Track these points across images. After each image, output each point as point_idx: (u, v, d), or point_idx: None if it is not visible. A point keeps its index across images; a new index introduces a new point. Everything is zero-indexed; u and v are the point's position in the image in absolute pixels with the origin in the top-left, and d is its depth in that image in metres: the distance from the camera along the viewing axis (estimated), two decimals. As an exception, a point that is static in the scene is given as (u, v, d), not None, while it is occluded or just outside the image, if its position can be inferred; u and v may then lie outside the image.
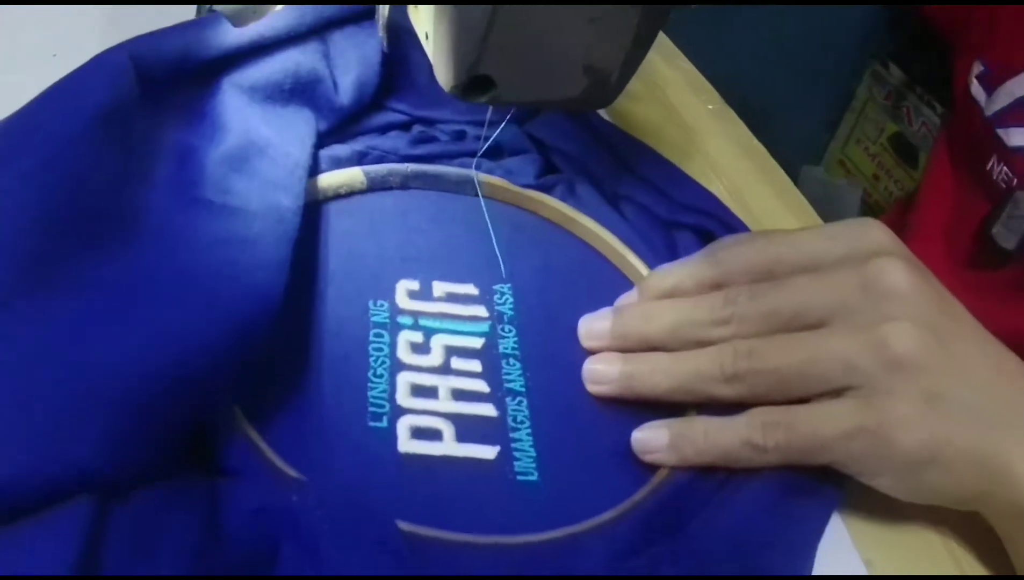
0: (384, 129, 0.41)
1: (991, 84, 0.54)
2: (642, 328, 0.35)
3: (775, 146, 0.52)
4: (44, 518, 0.22)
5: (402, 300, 0.36)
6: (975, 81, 0.55)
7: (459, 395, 0.33)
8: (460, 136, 0.42)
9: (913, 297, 0.31)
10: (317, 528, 0.26)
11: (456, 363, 0.35)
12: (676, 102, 0.54)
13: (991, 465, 0.31)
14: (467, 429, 0.32)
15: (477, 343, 0.36)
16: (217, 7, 0.37)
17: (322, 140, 0.39)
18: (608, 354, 0.35)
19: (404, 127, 0.42)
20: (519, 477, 0.31)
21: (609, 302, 0.37)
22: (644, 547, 0.30)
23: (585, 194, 0.42)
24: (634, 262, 0.40)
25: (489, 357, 0.35)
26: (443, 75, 0.31)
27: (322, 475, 0.29)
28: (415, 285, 0.37)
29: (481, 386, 0.34)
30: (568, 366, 0.36)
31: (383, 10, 0.38)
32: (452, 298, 0.37)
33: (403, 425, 0.32)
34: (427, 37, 0.31)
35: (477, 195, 0.41)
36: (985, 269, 0.43)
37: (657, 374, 0.34)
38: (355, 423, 0.31)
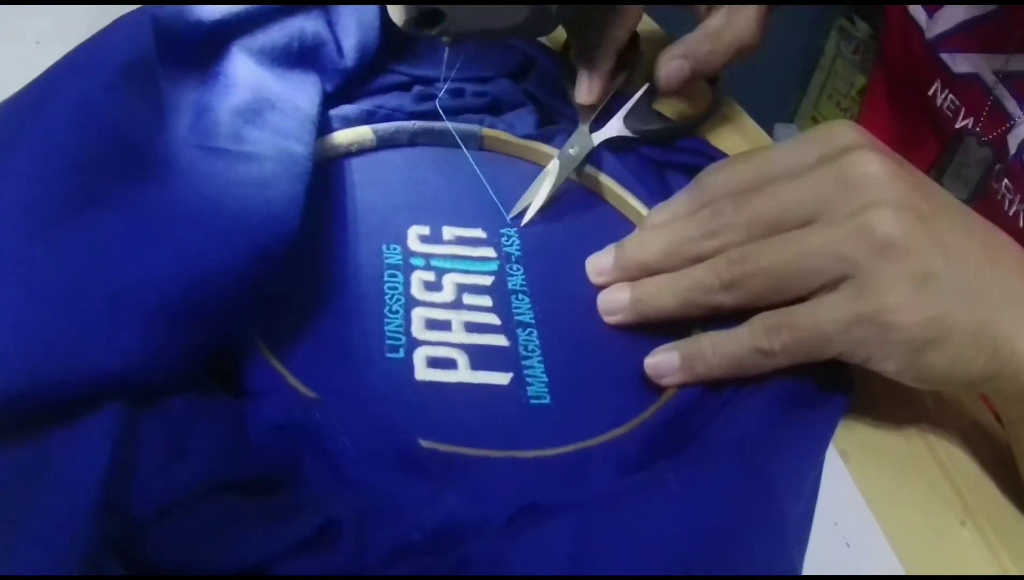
0: (386, 89, 0.43)
1: (931, 5, 0.52)
2: (639, 254, 0.36)
3: (747, 106, 0.53)
4: (77, 423, 0.24)
5: (414, 243, 0.38)
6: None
7: (472, 327, 0.35)
8: (458, 93, 0.44)
9: (889, 182, 0.32)
10: (339, 444, 0.28)
11: (468, 299, 0.36)
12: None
13: (998, 346, 0.31)
14: (481, 358, 0.34)
15: (487, 280, 0.37)
16: None
17: (330, 101, 0.40)
18: (617, 285, 0.37)
19: (405, 87, 0.44)
20: (532, 401, 0.33)
21: (610, 241, 0.38)
22: (651, 461, 0.31)
23: (584, 143, 0.44)
24: (632, 203, 0.41)
25: (499, 293, 0.37)
26: (396, 12, 0.33)
27: (342, 399, 0.30)
28: (425, 230, 0.38)
29: (492, 319, 0.36)
30: (574, 300, 0.37)
31: None
32: (461, 241, 0.39)
33: (419, 355, 0.33)
34: None
35: (480, 149, 0.43)
36: None
37: (662, 294, 0.35)
38: (373, 354, 0.33)
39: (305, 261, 0.34)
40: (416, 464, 0.28)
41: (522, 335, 0.35)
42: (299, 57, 0.38)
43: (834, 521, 0.32)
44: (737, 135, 0.51)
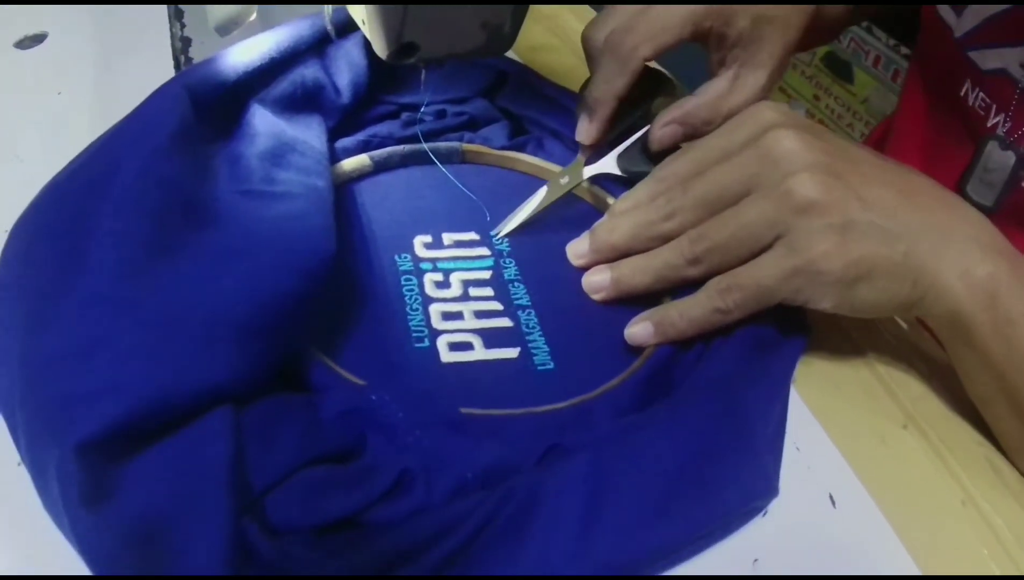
0: (378, 119, 0.49)
1: (959, 5, 0.52)
2: (609, 238, 0.43)
3: None
4: (200, 424, 0.30)
5: (420, 251, 0.44)
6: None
7: (480, 314, 0.42)
8: (441, 114, 0.50)
9: (804, 152, 0.38)
10: (393, 418, 0.35)
11: (473, 291, 0.43)
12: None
13: (919, 275, 0.37)
14: (492, 338, 0.41)
15: (486, 274, 0.44)
16: (208, 17, 0.44)
17: (332, 135, 0.47)
18: (597, 267, 0.44)
19: (394, 115, 0.50)
20: (539, 368, 0.40)
21: (584, 229, 0.45)
22: (643, 406, 0.38)
23: (551, 147, 0.51)
24: (600, 194, 0.48)
25: (497, 283, 0.44)
26: (379, 47, 0.40)
27: (386, 385, 0.37)
28: (428, 238, 0.45)
29: (496, 305, 0.42)
30: (560, 281, 0.44)
31: (327, 9, 0.46)
32: (459, 244, 0.45)
33: (442, 343, 0.40)
34: (364, 23, 0.40)
35: (463, 162, 0.50)
36: None
37: (637, 273, 0.42)
38: (404, 346, 0.39)
39: (335, 276, 0.40)
40: (457, 426, 0.35)
41: (522, 316, 0.42)
42: (303, 101, 0.45)
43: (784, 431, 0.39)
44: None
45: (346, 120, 0.48)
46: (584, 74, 0.49)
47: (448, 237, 0.45)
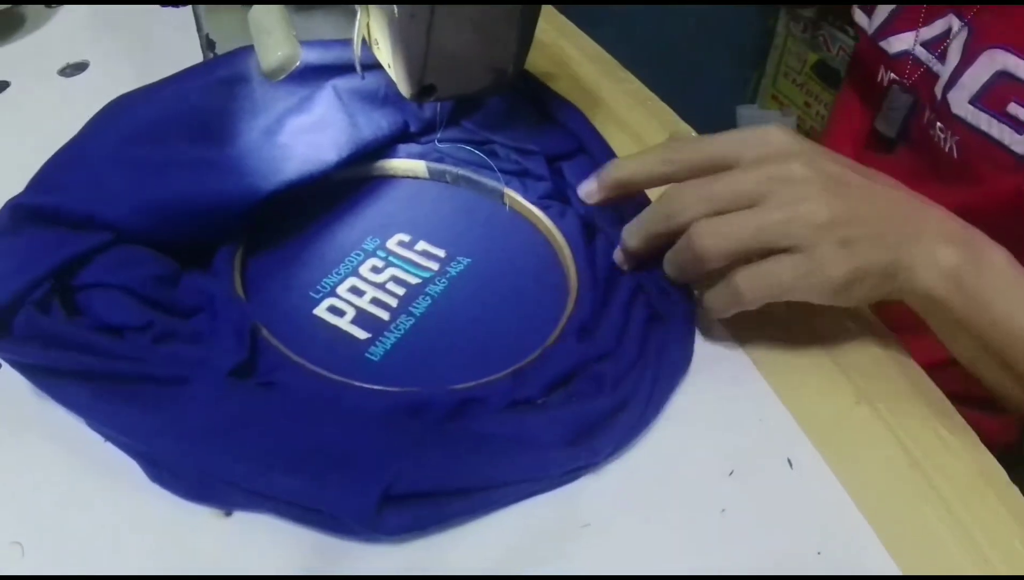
0: (452, 139, 0.59)
1: (868, 8, 0.68)
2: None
3: (709, 89, 0.62)
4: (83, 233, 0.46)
5: (391, 243, 0.54)
6: (858, 10, 0.69)
7: (374, 301, 0.50)
8: (507, 156, 0.58)
9: (818, 180, 0.45)
10: (224, 311, 0.46)
11: (390, 286, 0.52)
12: (580, 74, 0.70)
13: (898, 273, 0.45)
14: (361, 319, 0.49)
15: (414, 280, 0.52)
16: (259, 63, 0.54)
17: (408, 137, 0.58)
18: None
19: (467, 141, 0.59)
20: (366, 354, 0.47)
21: (544, 303, 0.51)
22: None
23: (570, 221, 0.55)
24: (571, 265, 0.52)
25: (414, 290, 0.51)
26: (404, 88, 0.50)
27: (255, 299, 0.49)
28: (406, 238, 0.54)
29: (392, 302, 0.51)
30: (456, 320, 0.49)
31: (356, 50, 0.53)
32: (424, 253, 0.54)
33: (327, 302, 0.50)
34: (389, 66, 0.50)
35: (503, 203, 0.57)
36: (881, 154, 0.65)
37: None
38: (301, 288, 0.50)
39: (315, 222, 0.53)
40: (256, 341, 0.45)
41: (401, 318, 0.50)
42: (385, 101, 0.57)
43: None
44: (656, 123, 0.64)
45: (427, 130, 0.59)
46: (580, 95, 0.58)
47: (422, 244, 0.54)
